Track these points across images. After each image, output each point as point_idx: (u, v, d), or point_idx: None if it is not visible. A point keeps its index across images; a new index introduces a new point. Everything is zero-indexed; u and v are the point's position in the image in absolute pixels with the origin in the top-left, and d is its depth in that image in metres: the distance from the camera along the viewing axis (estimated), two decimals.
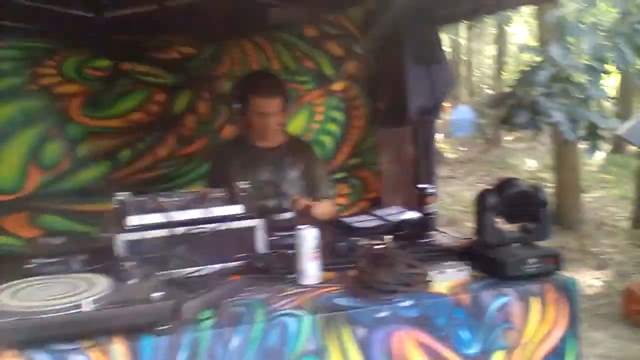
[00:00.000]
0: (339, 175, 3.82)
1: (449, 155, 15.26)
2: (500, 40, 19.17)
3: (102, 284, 1.71)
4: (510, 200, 2.02)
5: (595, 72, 3.19)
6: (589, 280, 5.95)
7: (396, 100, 2.70)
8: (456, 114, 16.62)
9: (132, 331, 1.61)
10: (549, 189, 9.71)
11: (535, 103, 2.84)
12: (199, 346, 1.64)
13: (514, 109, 2.89)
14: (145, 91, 3.33)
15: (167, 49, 3.36)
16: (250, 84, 2.83)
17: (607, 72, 3.47)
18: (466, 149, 15.91)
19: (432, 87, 2.68)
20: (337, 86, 3.72)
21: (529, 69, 3.20)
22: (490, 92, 18.95)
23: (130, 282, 1.73)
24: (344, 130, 3.80)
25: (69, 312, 1.55)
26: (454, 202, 9.75)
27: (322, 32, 3.67)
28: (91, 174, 3.27)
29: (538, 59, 3.25)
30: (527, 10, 13.86)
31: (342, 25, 3.66)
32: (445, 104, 17.64)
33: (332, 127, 3.77)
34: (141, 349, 1.59)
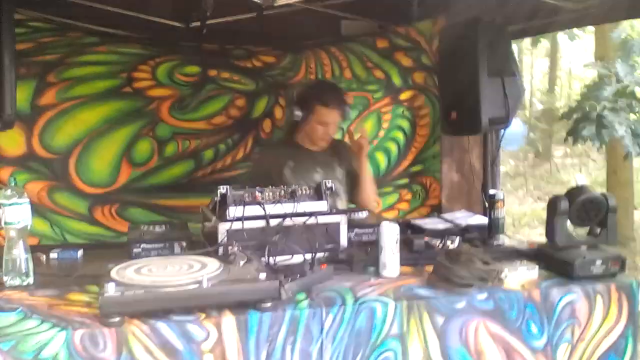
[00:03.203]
0: (401, 182, 4.01)
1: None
2: (553, 54, 19.00)
3: (213, 264, 1.93)
4: (580, 205, 2.18)
5: None
6: None
7: (469, 110, 2.87)
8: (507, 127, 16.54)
9: (241, 307, 1.83)
10: None
11: (601, 117, 2.97)
12: (298, 323, 1.85)
13: (579, 122, 3.03)
14: (227, 96, 3.57)
15: (250, 58, 3.60)
16: (316, 93, 3.02)
17: None
18: (516, 163, 15.85)
19: (504, 99, 2.84)
20: (405, 95, 3.91)
21: (594, 84, 3.32)
22: (541, 106, 18.81)
23: (238, 264, 1.95)
24: (408, 138, 3.97)
25: (190, 287, 1.78)
26: None
27: (392, 43, 3.86)
28: (176, 172, 3.52)
29: (603, 72, 3.38)
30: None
31: (411, 37, 3.85)
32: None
33: (398, 135, 3.96)
34: (248, 322, 1.81)
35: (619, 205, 7.30)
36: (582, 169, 15.03)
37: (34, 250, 2.29)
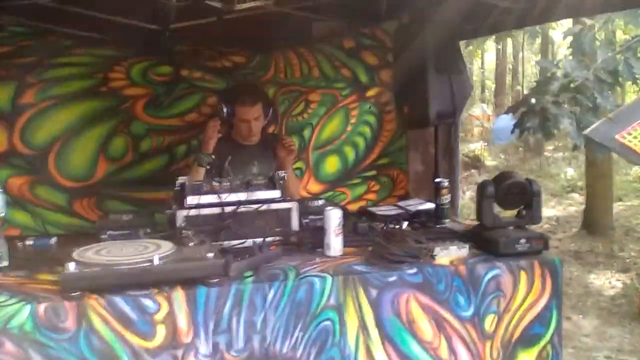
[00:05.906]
0: (369, 174, 4.20)
1: (489, 162, 15.45)
2: (544, 49, 19.21)
3: (167, 246, 2.14)
4: (506, 189, 2.38)
5: (604, 83, 3.51)
6: (613, 282, 6.19)
7: (419, 105, 3.07)
8: (498, 122, 16.73)
9: (190, 283, 2.04)
10: (582, 196, 9.93)
11: (545, 110, 3.18)
12: (242, 297, 2.06)
13: (525, 115, 3.23)
14: (200, 95, 3.75)
15: (221, 58, 3.80)
16: (234, 95, 3.32)
17: (618, 85, 3.79)
18: (506, 157, 16.05)
19: (451, 95, 3.05)
20: (371, 92, 4.11)
21: (543, 79, 3.53)
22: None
23: (189, 245, 2.16)
24: (375, 133, 4.17)
25: (142, 265, 1.99)
26: None
27: (358, 43, 4.05)
28: (151, 166, 3.71)
29: (553, 70, 3.59)
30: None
31: (377, 37, 4.05)
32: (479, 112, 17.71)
33: (365, 130, 4.15)
34: (196, 296, 2.02)
35: (596, 195, 7.50)
36: (572, 162, 15.21)
37: (14, 239, 2.50)
